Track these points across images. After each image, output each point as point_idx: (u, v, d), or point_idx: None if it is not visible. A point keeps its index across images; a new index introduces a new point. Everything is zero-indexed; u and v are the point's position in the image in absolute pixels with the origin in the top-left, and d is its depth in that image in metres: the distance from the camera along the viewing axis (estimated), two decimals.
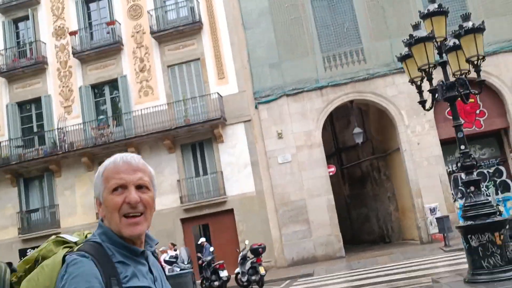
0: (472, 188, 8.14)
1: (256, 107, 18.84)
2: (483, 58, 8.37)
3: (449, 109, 18.22)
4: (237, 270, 14.36)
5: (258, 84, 18.86)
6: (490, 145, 18.74)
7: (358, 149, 22.01)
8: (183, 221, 18.74)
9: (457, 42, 8.25)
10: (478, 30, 8.07)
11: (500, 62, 17.94)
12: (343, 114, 22.33)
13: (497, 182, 18.46)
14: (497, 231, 7.66)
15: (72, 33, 20.24)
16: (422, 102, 8.96)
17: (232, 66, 19.22)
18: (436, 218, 16.04)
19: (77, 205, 19.48)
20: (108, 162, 1.53)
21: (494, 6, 18.11)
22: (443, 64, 8.67)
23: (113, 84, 20.13)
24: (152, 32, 19.64)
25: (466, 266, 10.70)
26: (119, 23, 20.22)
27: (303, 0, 19.04)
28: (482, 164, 18.58)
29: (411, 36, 8.36)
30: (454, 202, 18.29)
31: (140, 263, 1.51)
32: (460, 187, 18.55)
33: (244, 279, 14.00)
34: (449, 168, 18.60)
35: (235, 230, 18.33)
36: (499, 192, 18.39)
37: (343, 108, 20.67)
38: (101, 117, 19.58)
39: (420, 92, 8.86)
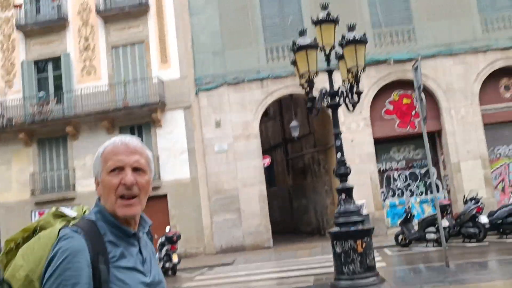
0: (343, 196, 8.34)
1: (196, 94, 18.85)
2: (363, 69, 8.50)
3: (385, 108, 18.58)
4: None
5: (200, 71, 18.84)
6: (424, 146, 19.03)
7: (301, 141, 22.24)
8: None
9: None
10: (360, 41, 8.20)
11: (437, 66, 18.20)
12: (291, 106, 22.46)
13: (428, 183, 18.87)
14: (359, 239, 7.90)
15: (17, 6, 19.88)
16: (310, 109, 9.03)
17: (176, 51, 19.15)
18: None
19: (13, 181, 19.38)
20: (108, 143, 1.59)
21: (436, 9, 18.25)
22: (330, 72, 8.79)
23: (56, 61, 19.90)
24: (98, 11, 19.40)
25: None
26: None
27: None
28: (415, 164, 18.98)
29: (294, 43, 8.46)
30: (384, 201, 18.71)
31: (131, 244, 1.56)
32: (391, 186, 18.98)
33: (160, 265, 14.21)
34: (382, 166, 18.94)
35: (167, 215, 18.48)
36: (428, 192, 18.82)
37: (291, 100, 20.85)
38: (41, 94, 19.38)
39: (309, 97, 8.91)
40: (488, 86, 18.30)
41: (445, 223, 13.24)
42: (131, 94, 18.95)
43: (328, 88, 8.82)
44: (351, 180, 17.92)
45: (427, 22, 18.33)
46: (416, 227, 14.03)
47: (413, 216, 14.45)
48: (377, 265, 10.96)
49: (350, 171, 8.62)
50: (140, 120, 18.93)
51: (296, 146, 23.27)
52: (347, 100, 8.66)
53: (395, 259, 12.21)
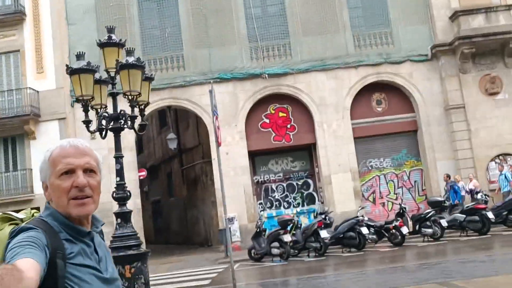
0: (119, 220, 8.32)
1: (72, 105, 18.52)
2: (139, 94, 8.51)
3: (262, 121, 18.75)
4: None
5: None
6: (301, 158, 19.43)
7: (193, 152, 22.26)
8: None
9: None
10: (134, 66, 8.21)
11: (311, 81, 18.60)
12: (185, 116, 22.45)
13: (304, 194, 19.22)
14: (128, 264, 7.90)
15: None
16: (100, 130, 8.94)
17: (52, 61, 18.77)
18: (219, 230, 16.52)
19: None
20: (54, 146, 1.56)
21: (311, 25, 18.67)
22: (113, 95, 8.76)
23: None
24: None
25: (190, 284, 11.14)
26: None
27: (130, 1, 18.84)
28: (292, 176, 19.29)
29: (67, 66, 8.40)
30: (262, 212, 18.90)
31: (86, 243, 1.52)
32: (269, 197, 19.22)
33: None
34: (260, 178, 19.16)
35: None
36: (305, 204, 19.17)
37: (184, 111, 20.74)
38: None
39: (83, 121, 8.77)
40: (361, 101, 18.87)
41: (287, 238, 13.51)
42: (4, 105, 18.43)
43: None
44: (226, 192, 18.06)
45: (302, 37, 18.71)
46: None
47: (265, 230, 14.67)
48: (199, 283, 11.08)
49: (129, 196, 8.59)
50: (13, 131, 18.42)
51: (189, 157, 23.27)
52: (129, 123, 8.63)
53: (226, 276, 12.33)
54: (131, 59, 8.27)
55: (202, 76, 18.44)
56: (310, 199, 19.18)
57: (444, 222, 13.34)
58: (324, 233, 13.31)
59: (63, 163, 1.53)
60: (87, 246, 1.56)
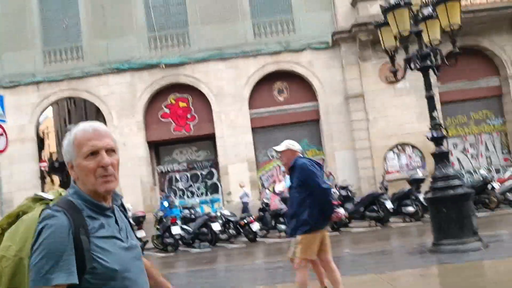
0: None
1: None
2: None
3: (162, 111, 18.75)
4: None
5: None
6: (205, 148, 19.44)
7: None
8: None
9: None
10: None
11: (209, 70, 18.43)
12: None
13: (209, 184, 19.30)
14: None
15: None
16: None
17: None
18: None
19: None
20: (76, 130, 1.71)
21: (211, 13, 18.38)
22: None
23: None
24: None
25: None
26: None
27: None
28: (196, 166, 19.35)
29: None
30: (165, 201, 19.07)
31: (107, 216, 1.71)
32: (173, 187, 19.35)
33: None
34: (164, 168, 19.28)
35: None
36: (209, 193, 19.27)
37: None
38: None
39: None
40: (262, 90, 18.67)
41: (141, 233, 13.68)
42: None
43: None
44: (122, 183, 18.22)
45: (201, 26, 18.48)
46: None
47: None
48: None
49: None
50: None
51: None
52: None
53: None
54: None
55: (100, 67, 18.43)
56: (214, 189, 19.25)
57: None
58: (175, 230, 13.41)
59: (88, 146, 1.67)
60: (109, 218, 1.72)
